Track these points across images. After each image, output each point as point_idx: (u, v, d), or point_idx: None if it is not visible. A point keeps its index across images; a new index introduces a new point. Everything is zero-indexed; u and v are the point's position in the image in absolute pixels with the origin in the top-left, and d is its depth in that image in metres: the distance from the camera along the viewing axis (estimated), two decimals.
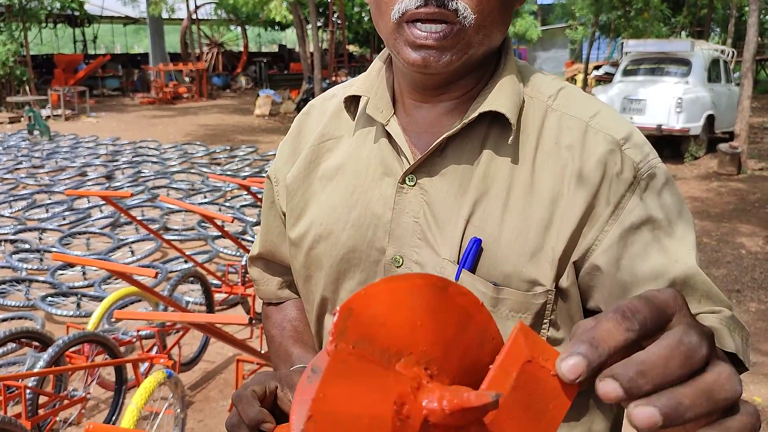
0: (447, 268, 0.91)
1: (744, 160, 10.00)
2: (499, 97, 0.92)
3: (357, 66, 26.78)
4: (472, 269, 0.90)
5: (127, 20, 31.88)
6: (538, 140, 0.93)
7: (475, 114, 0.91)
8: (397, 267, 0.96)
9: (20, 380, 2.85)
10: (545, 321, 0.92)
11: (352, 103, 1.03)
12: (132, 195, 3.98)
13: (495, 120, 0.93)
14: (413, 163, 0.94)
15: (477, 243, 0.90)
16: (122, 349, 3.59)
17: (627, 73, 11.95)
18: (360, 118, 1.03)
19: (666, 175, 0.93)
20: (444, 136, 0.92)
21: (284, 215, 1.12)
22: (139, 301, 4.29)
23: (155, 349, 3.63)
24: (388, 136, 0.98)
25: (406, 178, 0.95)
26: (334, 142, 1.06)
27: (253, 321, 2.68)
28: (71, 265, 5.54)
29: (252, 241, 6.12)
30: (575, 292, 0.92)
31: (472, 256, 0.90)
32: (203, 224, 6.73)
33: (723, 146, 10.01)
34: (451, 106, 0.96)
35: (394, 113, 0.99)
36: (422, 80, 0.93)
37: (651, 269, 0.88)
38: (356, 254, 0.98)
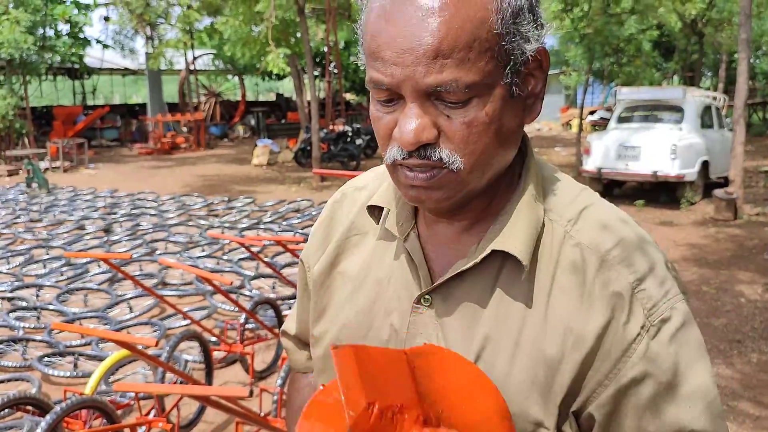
0: None
1: (740, 206, 10.05)
2: (513, 232, 0.90)
3: (354, 114, 27.04)
4: None
5: (126, 71, 32.25)
6: (555, 271, 0.90)
7: (486, 252, 0.90)
8: None
9: None
10: None
11: (376, 207, 1.03)
12: (131, 257, 3.99)
13: (509, 254, 0.90)
14: (429, 287, 0.94)
15: None
16: (120, 411, 3.56)
17: (622, 120, 12.10)
18: (383, 224, 1.03)
19: (683, 317, 0.88)
20: (457, 271, 0.91)
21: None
22: (137, 360, 4.26)
23: (153, 411, 3.59)
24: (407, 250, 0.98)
25: (422, 299, 0.94)
26: (359, 237, 1.06)
27: (253, 389, 2.66)
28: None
29: (249, 296, 6.11)
30: None
31: None
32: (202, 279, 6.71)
33: (719, 192, 10.07)
34: (469, 225, 0.95)
35: (416, 223, 0.99)
36: (428, 209, 0.95)
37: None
38: None
